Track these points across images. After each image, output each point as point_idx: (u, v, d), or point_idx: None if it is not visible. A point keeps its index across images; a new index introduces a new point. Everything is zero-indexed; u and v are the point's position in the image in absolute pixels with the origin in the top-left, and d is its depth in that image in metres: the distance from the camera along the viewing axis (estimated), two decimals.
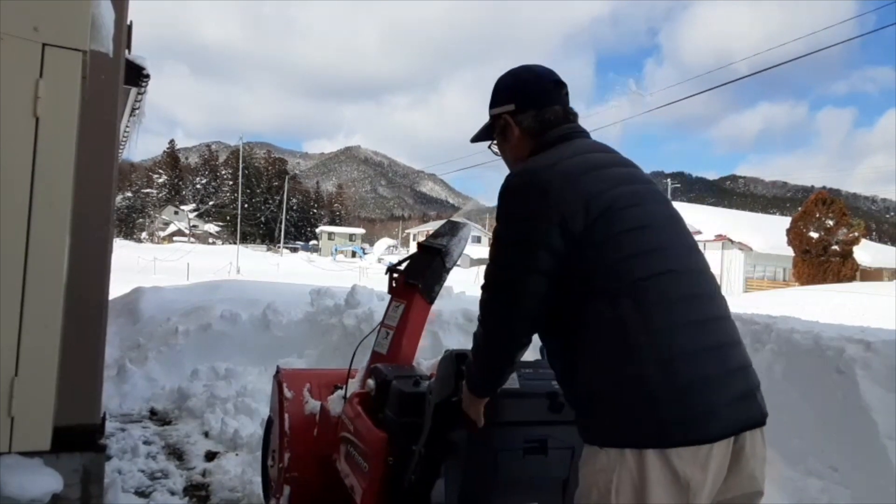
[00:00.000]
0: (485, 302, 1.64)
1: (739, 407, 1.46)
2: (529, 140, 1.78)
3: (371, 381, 2.51)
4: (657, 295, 1.47)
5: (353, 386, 2.68)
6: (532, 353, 1.84)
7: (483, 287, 1.66)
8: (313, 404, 2.92)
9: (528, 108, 1.78)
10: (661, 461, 1.37)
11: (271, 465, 3.12)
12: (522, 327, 1.60)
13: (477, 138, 1.94)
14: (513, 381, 1.96)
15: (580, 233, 1.51)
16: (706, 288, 1.59)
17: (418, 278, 2.83)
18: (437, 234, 2.97)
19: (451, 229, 2.97)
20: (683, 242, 1.64)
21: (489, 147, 1.94)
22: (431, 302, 2.92)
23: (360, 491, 2.30)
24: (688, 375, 1.41)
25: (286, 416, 2.92)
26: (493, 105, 1.87)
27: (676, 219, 1.68)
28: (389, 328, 2.86)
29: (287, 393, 2.97)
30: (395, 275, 2.92)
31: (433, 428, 1.98)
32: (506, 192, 1.64)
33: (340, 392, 2.72)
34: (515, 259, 1.57)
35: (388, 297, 2.98)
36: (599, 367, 1.48)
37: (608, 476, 1.41)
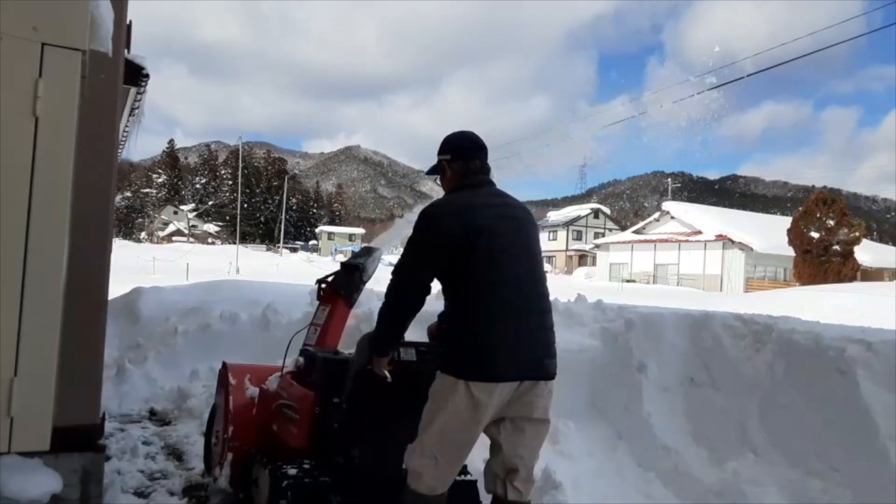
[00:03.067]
0: (391, 283, 2.55)
1: (525, 366, 2.44)
2: (455, 181, 2.69)
3: (301, 359, 3.36)
4: (497, 292, 2.43)
5: (288, 369, 3.44)
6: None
7: (392, 272, 2.55)
8: (252, 390, 3.62)
9: (458, 159, 2.70)
10: (465, 388, 2.37)
11: (215, 442, 3.78)
12: (408, 302, 2.55)
13: (429, 173, 2.81)
14: (411, 356, 2.82)
15: (458, 248, 2.44)
16: (533, 291, 2.53)
17: (342, 288, 3.66)
18: (356, 256, 3.87)
19: (368, 252, 3.88)
20: (527, 261, 2.56)
21: (435, 181, 2.82)
22: (351, 306, 3.75)
23: (294, 434, 3.06)
24: (496, 343, 2.39)
25: (231, 398, 3.58)
26: (439, 153, 2.75)
27: (529, 244, 2.59)
28: (318, 325, 3.65)
29: (232, 380, 3.65)
30: (324, 286, 3.71)
31: (353, 387, 2.82)
32: (420, 215, 2.58)
33: (277, 374, 3.48)
34: (413, 259, 2.53)
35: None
36: (456, 328, 2.50)
37: (443, 390, 2.44)
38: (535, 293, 2.53)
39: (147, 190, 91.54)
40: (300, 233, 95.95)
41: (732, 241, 42.80)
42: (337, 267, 3.89)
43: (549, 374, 2.53)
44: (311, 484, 2.92)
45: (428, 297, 2.58)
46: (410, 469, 2.48)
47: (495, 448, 2.57)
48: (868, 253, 39.90)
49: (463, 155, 2.70)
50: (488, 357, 2.38)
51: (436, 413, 2.44)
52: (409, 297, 2.53)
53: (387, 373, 2.63)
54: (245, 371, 3.73)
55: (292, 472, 2.96)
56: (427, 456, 2.45)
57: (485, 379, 2.37)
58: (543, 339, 2.52)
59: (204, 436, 4.10)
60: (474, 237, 2.44)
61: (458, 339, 2.45)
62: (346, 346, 3.55)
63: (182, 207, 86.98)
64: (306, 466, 3.00)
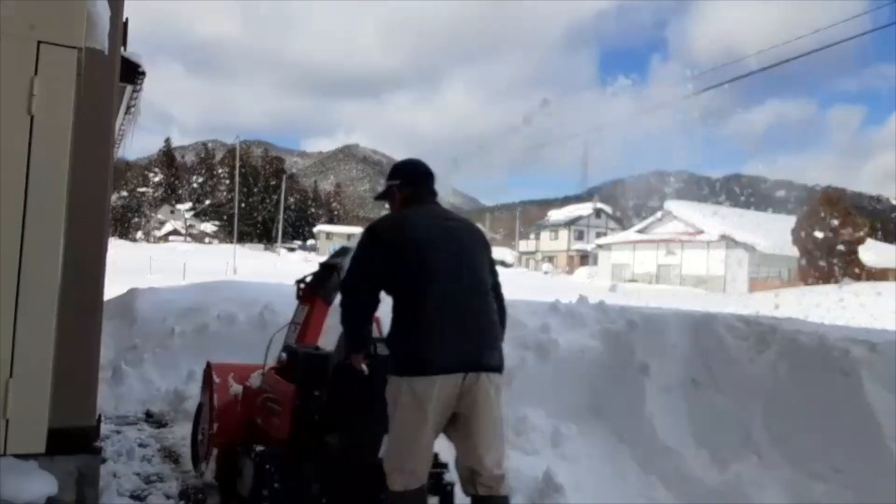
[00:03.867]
0: (343, 291, 2.88)
1: (462, 360, 2.59)
2: (403, 204, 2.97)
3: (283, 355, 3.55)
4: (433, 298, 2.64)
5: (271, 366, 3.64)
6: None
7: (342, 283, 2.94)
8: (236, 387, 3.80)
9: (407, 185, 2.98)
10: (407, 385, 2.57)
11: (201, 439, 3.93)
12: (360, 305, 2.80)
13: (378, 198, 3.14)
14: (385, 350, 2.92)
15: (396, 259, 2.71)
16: (470, 296, 2.73)
17: (320, 287, 3.77)
18: (334, 255, 3.94)
19: (345, 252, 3.86)
20: (465, 269, 2.76)
21: (384, 206, 3.13)
22: (329, 304, 3.82)
23: (277, 426, 3.27)
24: (431, 340, 2.59)
25: (215, 395, 3.77)
26: (389, 178, 3.07)
27: (468, 254, 2.81)
28: (297, 324, 3.79)
29: (216, 379, 3.83)
30: (302, 285, 3.85)
31: (333, 380, 3.04)
32: (366, 229, 2.94)
33: (259, 371, 3.67)
34: (359, 268, 2.82)
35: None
36: (398, 330, 2.70)
37: (392, 390, 2.65)
38: (472, 297, 2.74)
39: (143, 189, 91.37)
40: (298, 232, 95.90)
41: (736, 241, 42.78)
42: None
43: (491, 367, 2.67)
44: (292, 468, 3.10)
45: None
46: (385, 471, 2.66)
47: (456, 449, 2.74)
48: (873, 253, 39.91)
49: (412, 182, 2.99)
50: (424, 353, 2.58)
51: (391, 417, 2.65)
52: (359, 303, 2.80)
53: (364, 367, 2.85)
54: (228, 370, 3.92)
55: (274, 456, 3.15)
56: (392, 459, 2.65)
57: (423, 373, 2.56)
58: (481, 335, 2.71)
59: (191, 433, 4.24)
60: (412, 249, 2.72)
61: (399, 342, 2.68)
62: (326, 343, 3.67)
63: (179, 207, 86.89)
64: (288, 454, 3.18)
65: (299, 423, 3.15)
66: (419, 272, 2.68)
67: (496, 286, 2.90)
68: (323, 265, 3.89)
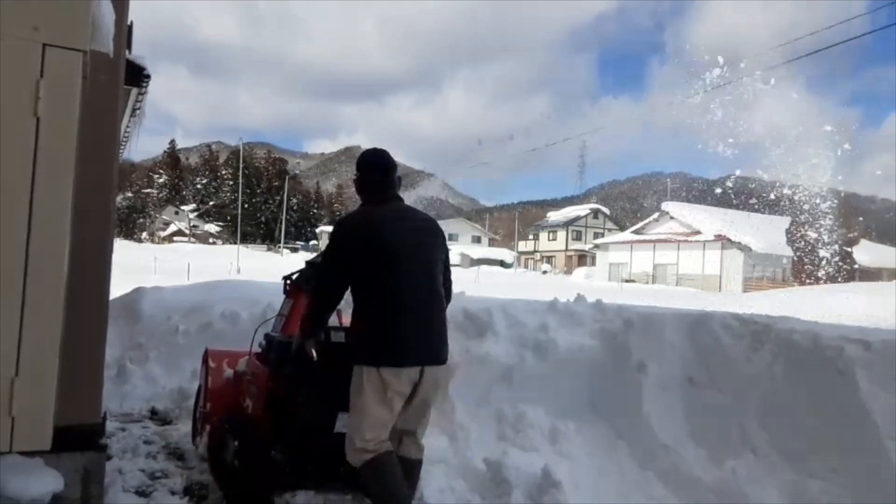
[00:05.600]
0: (316, 284, 3.27)
1: (421, 354, 2.98)
2: (366, 194, 3.20)
3: (263, 341, 4.03)
4: (395, 293, 2.95)
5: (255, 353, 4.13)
6: None
7: (314, 274, 3.46)
8: (228, 371, 4.29)
9: (365, 174, 3.22)
10: (377, 373, 2.91)
11: (198, 416, 4.43)
12: (329, 297, 3.14)
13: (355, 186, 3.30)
14: (340, 338, 3.36)
15: (364, 254, 2.98)
16: (428, 292, 3.05)
17: (304, 283, 4.01)
18: (318, 255, 4.24)
19: None
20: (423, 265, 3.06)
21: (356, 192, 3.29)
22: None
23: (253, 405, 3.81)
24: (400, 335, 2.94)
25: (210, 378, 4.28)
26: (356, 169, 3.26)
27: (426, 251, 3.10)
28: (283, 316, 4.09)
29: (211, 364, 4.33)
30: (289, 281, 4.15)
31: (294, 362, 3.35)
32: (335, 224, 3.22)
33: (246, 357, 4.17)
34: (327, 264, 3.17)
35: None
36: (362, 322, 3.01)
37: (358, 378, 2.97)
38: (430, 293, 3.07)
39: (148, 190, 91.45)
40: (301, 233, 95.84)
41: (731, 241, 42.78)
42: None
43: (441, 360, 3.09)
44: (258, 437, 3.58)
45: None
46: (352, 450, 3.00)
47: (396, 419, 3.09)
48: (867, 253, 39.85)
49: (368, 170, 3.23)
50: (395, 347, 2.94)
51: (358, 399, 2.97)
52: (326, 295, 3.15)
53: (313, 352, 3.21)
54: (223, 356, 4.42)
55: (242, 425, 3.74)
56: (349, 438, 3.02)
57: (394, 365, 2.92)
58: (437, 331, 3.07)
59: (192, 412, 4.75)
60: (376, 246, 2.98)
61: (369, 335, 2.99)
62: None
63: (183, 208, 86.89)
64: (259, 427, 3.65)
65: (270, 400, 3.61)
66: (387, 270, 2.97)
67: (446, 280, 3.25)
68: (308, 263, 4.16)
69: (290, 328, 3.92)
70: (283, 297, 4.21)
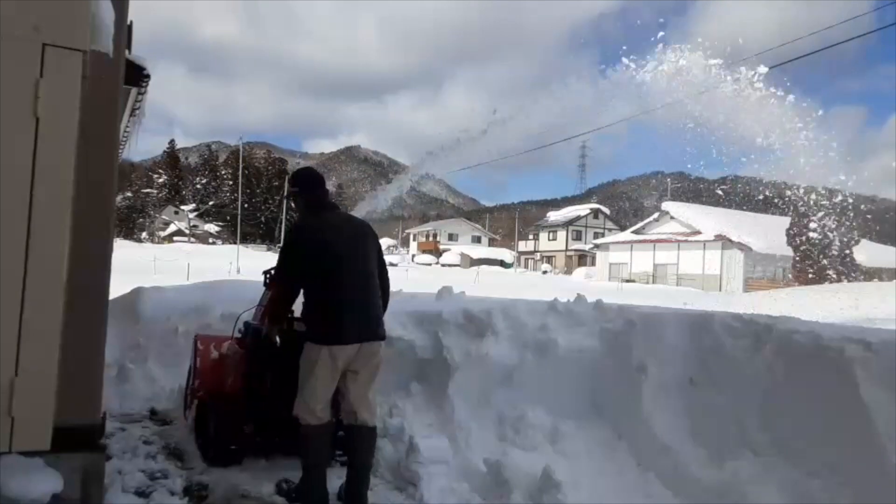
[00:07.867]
0: (276, 278, 4.03)
1: (362, 333, 3.61)
2: (304, 208, 3.91)
3: (241, 327, 4.66)
4: (344, 285, 3.60)
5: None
6: None
7: (273, 273, 4.18)
8: (215, 353, 4.82)
9: (304, 192, 3.92)
10: (327, 351, 3.54)
11: (188, 394, 4.95)
12: (287, 290, 3.81)
13: (287, 197, 4.16)
14: (302, 327, 3.79)
15: (312, 255, 3.63)
16: (365, 282, 3.70)
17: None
18: None
19: None
20: (361, 261, 3.72)
21: (291, 206, 4.28)
22: None
23: (231, 384, 4.44)
24: (343, 319, 3.56)
25: (198, 359, 4.79)
26: (291, 185, 4.01)
27: (364, 249, 3.77)
28: (262, 306, 4.54)
29: (200, 347, 4.87)
30: (268, 275, 4.56)
31: (263, 346, 4.14)
32: (291, 229, 4.00)
33: (229, 342, 4.73)
34: (285, 264, 3.79)
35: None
36: (316, 309, 3.63)
37: (308, 354, 3.61)
38: (366, 283, 3.72)
39: (148, 190, 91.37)
40: None
41: (731, 241, 42.80)
42: None
43: (379, 336, 3.72)
44: (230, 410, 4.27)
45: None
46: (298, 415, 3.62)
47: (344, 394, 3.70)
48: (867, 253, 39.84)
49: (308, 188, 3.93)
50: (340, 328, 3.55)
51: (307, 371, 3.59)
52: (286, 288, 3.81)
53: (277, 338, 4.03)
54: (211, 340, 4.97)
55: (217, 399, 4.42)
56: (303, 401, 3.60)
57: (339, 343, 3.56)
58: (373, 314, 3.72)
59: (184, 390, 5.23)
60: (323, 246, 3.62)
61: (318, 319, 3.61)
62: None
63: (183, 207, 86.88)
64: (233, 401, 4.32)
65: (244, 379, 4.33)
66: (333, 265, 3.60)
67: (383, 274, 3.87)
68: None
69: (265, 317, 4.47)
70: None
